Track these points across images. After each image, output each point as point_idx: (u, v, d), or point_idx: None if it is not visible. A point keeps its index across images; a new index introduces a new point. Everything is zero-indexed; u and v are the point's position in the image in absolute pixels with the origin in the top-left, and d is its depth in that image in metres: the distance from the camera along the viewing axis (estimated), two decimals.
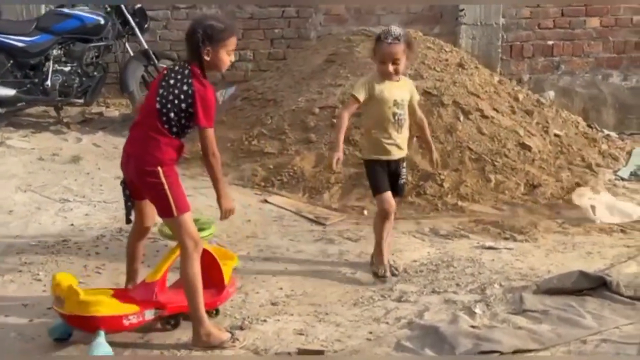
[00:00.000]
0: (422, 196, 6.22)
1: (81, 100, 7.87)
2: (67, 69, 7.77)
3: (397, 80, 4.75)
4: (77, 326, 3.82)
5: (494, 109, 6.92)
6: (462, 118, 6.71)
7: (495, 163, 6.40)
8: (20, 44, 7.59)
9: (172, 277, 4.17)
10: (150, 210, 4.06)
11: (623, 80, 8.79)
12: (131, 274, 4.25)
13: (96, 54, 7.97)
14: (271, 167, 6.54)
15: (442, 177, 6.29)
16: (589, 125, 7.89)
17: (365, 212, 6.07)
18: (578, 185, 6.36)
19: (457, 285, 4.72)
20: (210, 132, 3.86)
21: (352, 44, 7.56)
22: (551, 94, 8.59)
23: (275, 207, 6.08)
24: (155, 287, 3.95)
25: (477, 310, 4.35)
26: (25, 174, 6.51)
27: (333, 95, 6.99)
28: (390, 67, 4.63)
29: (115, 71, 8.50)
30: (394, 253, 5.19)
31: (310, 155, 6.60)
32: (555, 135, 7.05)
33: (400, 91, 4.76)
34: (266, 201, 6.18)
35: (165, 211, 3.86)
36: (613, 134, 8.17)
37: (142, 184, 3.91)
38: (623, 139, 8.11)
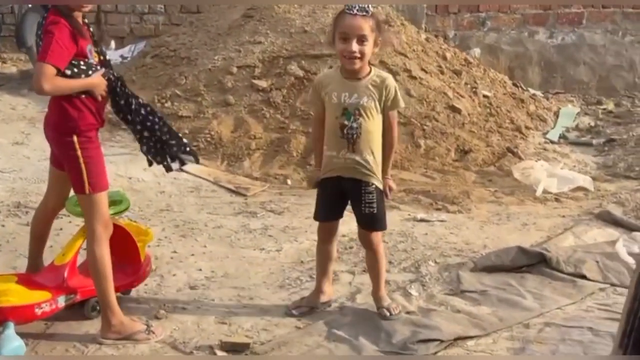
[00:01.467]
0: None
1: None
2: None
3: (360, 78, 3.55)
4: None
5: (422, 70, 6.62)
6: None
7: (425, 127, 6.11)
8: None
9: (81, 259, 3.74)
10: (67, 183, 3.58)
11: (549, 38, 8.63)
12: (35, 257, 3.83)
13: None
14: (186, 131, 6.07)
15: None
16: (514, 84, 7.69)
17: (289, 181, 5.71)
18: (509, 151, 6.12)
19: (390, 263, 4.40)
20: (42, 66, 3.23)
21: None
22: (477, 51, 8.37)
23: (192, 176, 5.63)
24: (65, 271, 3.60)
25: (413, 292, 4.10)
26: None
27: (252, 54, 6.55)
28: (354, 46, 3.45)
29: (11, 23, 7.82)
30: None
31: (229, 118, 6.16)
32: (484, 96, 6.80)
33: (359, 94, 3.54)
34: (181, 170, 5.70)
35: (77, 186, 3.45)
36: (539, 93, 8.02)
37: (59, 154, 3.49)
38: (548, 99, 7.96)
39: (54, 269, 3.64)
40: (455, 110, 6.38)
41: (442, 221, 5.08)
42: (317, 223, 4.93)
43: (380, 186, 3.67)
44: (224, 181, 5.59)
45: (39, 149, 5.50)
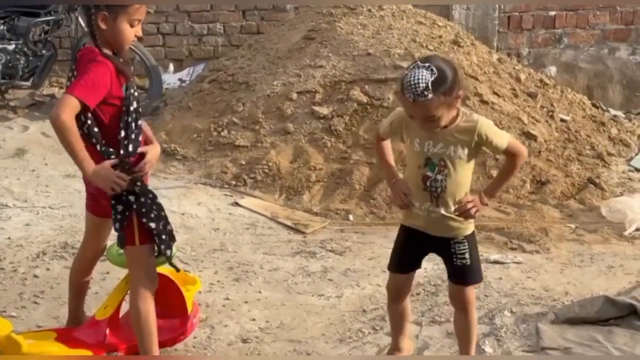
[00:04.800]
0: None
1: (28, 83, 7.06)
2: (10, 47, 6.94)
3: (446, 126, 3.05)
4: None
5: (495, 93, 6.20)
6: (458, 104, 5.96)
7: (497, 156, 5.68)
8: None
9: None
10: (109, 229, 3.32)
11: (631, 55, 8.17)
12: (75, 309, 3.60)
13: (45, 29, 7.13)
14: (243, 162, 5.79)
15: None
16: (594, 105, 7.21)
17: (351, 216, 5.36)
18: (591, 182, 5.66)
19: None
20: (67, 97, 2.92)
21: (334, 18, 6.79)
22: (552, 69, 7.95)
23: (248, 211, 5.33)
24: (106, 327, 3.38)
25: (487, 348, 3.73)
26: None
27: (312, 78, 6.23)
28: (425, 124, 3.03)
29: (68, 47, 7.68)
30: (384, 270, 4.46)
31: (288, 148, 5.85)
32: (562, 120, 6.35)
33: (445, 142, 3.07)
34: (237, 204, 5.42)
35: (125, 237, 3.17)
36: (620, 114, 7.53)
37: (107, 202, 3.16)
38: (631, 120, 7.45)
39: (95, 324, 3.42)
40: (530, 137, 5.94)
41: (518, 263, 4.66)
42: (382, 265, 4.62)
43: (471, 229, 3.28)
44: (281, 217, 5.27)
45: None
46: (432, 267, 4.60)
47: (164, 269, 3.52)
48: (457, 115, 3.08)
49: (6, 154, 6.16)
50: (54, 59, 7.21)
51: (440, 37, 6.58)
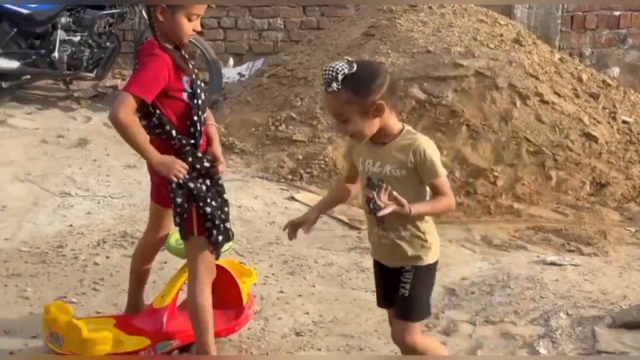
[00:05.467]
0: (472, 196, 5.50)
1: (92, 74, 7.18)
2: (76, 39, 7.05)
3: (385, 142, 2.85)
4: None
5: (556, 93, 6.13)
6: (518, 103, 5.94)
7: (557, 157, 5.64)
8: (24, 10, 6.88)
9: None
10: (171, 219, 3.34)
11: None
12: (135, 296, 3.66)
13: (109, 22, 7.25)
14: (300, 157, 5.82)
15: (496, 173, 5.52)
16: None
17: None
18: None
19: (516, 313, 3.98)
20: (124, 95, 2.98)
21: (394, 15, 6.77)
22: (616, 70, 7.79)
23: (304, 205, 5.35)
24: (164, 315, 3.42)
25: (541, 350, 3.69)
26: (25, 159, 5.87)
27: None
28: (340, 127, 2.86)
29: (131, 39, 7.80)
30: (439, 268, 4.45)
31: (344, 144, 5.83)
32: (624, 122, 6.24)
33: (382, 161, 2.85)
34: (293, 198, 5.45)
35: (185, 228, 3.22)
36: None
37: (167, 192, 3.21)
38: None
39: (153, 312, 3.46)
40: (591, 138, 5.87)
41: (575, 265, 4.59)
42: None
43: (426, 262, 2.94)
44: (337, 212, 5.27)
45: None
46: (487, 266, 4.58)
47: (221, 261, 3.57)
48: (400, 132, 2.84)
49: (69, 143, 6.28)
50: (117, 51, 7.32)
51: (502, 35, 6.52)
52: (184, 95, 3.14)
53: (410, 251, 2.91)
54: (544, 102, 5.99)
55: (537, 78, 6.15)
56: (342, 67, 2.69)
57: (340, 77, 2.68)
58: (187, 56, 3.19)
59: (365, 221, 3.06)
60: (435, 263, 3.01)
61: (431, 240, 2.96)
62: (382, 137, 2.83)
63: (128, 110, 2.96)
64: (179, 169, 3.08)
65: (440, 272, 4.38)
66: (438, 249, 3.02)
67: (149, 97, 3.00)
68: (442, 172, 2.85)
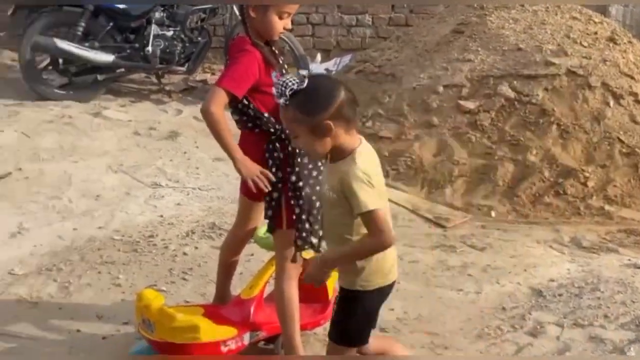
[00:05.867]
0: (562, 196, 5.36)
1: (183, 68, 7.32)
2: (169, 33, 7.21)
3: (334, 160, 2.68)
4: (167, 353, 3.30)
5: None
6: (612, 103, 5.76)
7: None
8: (120, 5, 7.06)
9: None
10: (260, 212, 3.40)
11: None
12: (223, 287, 3.71)
13: (201, 17, 7.38)
14: (386, 154, 5.78)
15: (587, 174, 5.39)
16: None
17: (493, 213, 5.28)
18: None
19: (606, 317, 3.90)
20: (216, 90, 3.01)
21: (484, 12, 6.67)
22: None
23: (390, 202, 5.31)
24: (251, 306, 3.45)
25: (632, 353, 3.59)
26: (119, 150, 6.02)
27: (460, 72, 6.14)
28: (293, 141, 2.78)
29: (222, 35, 7.92)
30: (526, 269, 4.40)
31: (431, 141, 5.81)
32: None
33: (328, 180, 2.74)
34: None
35: (274, 220, 3.26)
36: None
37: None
38: None
39: (240, 303, 3.50)
40: None
41: None
42: (524, 264, 4.55)
43: (354, 288, 2.77)
44: (422, 210, 5.26)
45: None
46: (575, 268, 4.49)
47: (307, 254, 3.60)
48: (350, 152, 2.64)
49: (160, 135, 6.42)
50: (208, 46, 7.44)
51: (596, 33, 6.35)
52: (274, 90, 3.17)
53: (346, 273, 2.80)
54: (638, 102, 5.82)
55: (632, 77, 5.97)
56: (292, 82, 2.56)
57: (288, 92, 2.56)
58: (277, 52, 3.23)
59: None
60: (371, 292, 2.78)
61: (363, 266, 2.74)
62: (335, 156, 2.67)
63: (219, 104, 3.01)
64: (260, 176, 3.09)
65: (527, 273, 4.37)
66: (378, 277, 2.78)
67: (239, 92, 3.04)
68: (369, 205, 2.56)
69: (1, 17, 8.16)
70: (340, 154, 2.65)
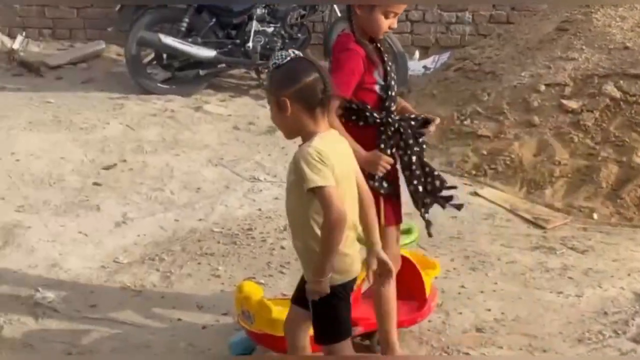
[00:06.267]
0: None
1: None
2: (269, 29, 7.30)
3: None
4: (265, 345, 3.38)
5: None
6: None
7: None
8: (223, 2, 7.19)
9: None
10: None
11: None
12: None
13: (301, 14, 7.44)
14: (484, 152, 5.73)
15: None
16: None
17: (595, 215, 5.16)
18: None
19: None
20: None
21: (590, 9, 6.51)
22: None
23: (487, 201, 5.28)
24: None
25: None
26: (219, 145, 6.14)
27: (563, 71, 6.02)
28: None
29: (321, 31, 7.96)
30: (629, 273, 4.28)
31: (532, 141, 5.71)
32: None
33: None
34: (476, 194, 5.38)
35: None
36: None
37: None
38: None
39: None
40: None
41: None
42: (627, 268, 4.42)
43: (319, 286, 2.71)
44: (521, 210, 5.17)
45: None
46: None
47: (405, 251, 3.59)
48: (314, 135, 2.68)
49: (259, 130, 6.51)
50: (307, 43, 7.49)
51: None
52: (377, 88, 3.18)
53: (303, 261, 2.82)
54: None
55: None
56: (278, 57, 2.67)
57: (272, 65, 2.69)
58: (382, 49, 3.24)
59: None
60: (337, 286, 2.76)
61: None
62: (303, 140, 2.73)
63: (334, 113, 3.01)
64: (384, 164, 3.12)
65: (631, 277, 4.25)
66: (341, 274, 2.76)
67: (347, 92, 3.07)
68: (317, 182, 2.57)
69: (109, 13, 8.46)
70: (304, 138, 2.72)
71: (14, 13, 8.80)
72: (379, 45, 3.22)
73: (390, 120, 3.18)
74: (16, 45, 8.42)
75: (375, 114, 3.16)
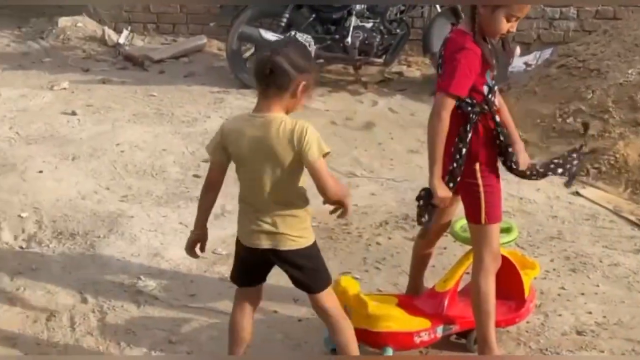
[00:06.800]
0: None
1: (380, 60, 7.37)
2: (368, 25, 7.27)
3: None
4: (361, 340, 3.35)
5: None
6: None
7: None
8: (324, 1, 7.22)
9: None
10: (455, 206, 3.43)
11: None
12: (416, 278, 3.76)
13: (401, 9, 7.39)
14: (588, 151, 5.57)
15: None
16: None
17: None
18: None
19: None
20: (443, 98, 3.05)
21: None
22: None
23: (588, 202, 5.14)
24: (445, 299, 3.48)
25: None
26: None
27: None
28: None
29: (420, 27, 7.90)
30: None
31: (638, 140, 5.53)
32: None
33: None
34: (578, 194, 5.24)
35: (472, 214, 3.26)
36: None
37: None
38: None
39: (434, 296, 3.53)
40: None
41: None
42: None
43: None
44: (625, 211, 5.00)
45: None
46: None
47: (504, 251, 3.54)
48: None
49: (356, 126, 6.51)
50: (406, 38, 7.42)
51: None
52: (484, 89, 3.15)
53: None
54: None
55: None
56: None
57: None
58: (495, 50, 3.18)
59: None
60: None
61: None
62: None
63: (448, 113, 3.05)
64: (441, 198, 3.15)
65: None
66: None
67: (464, 94, 3.07)
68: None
69: (211, 9, 8.62)
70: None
71: (120, 8, 9.06)
72: (500, 42, 3.19)
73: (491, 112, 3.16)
74: (122, 39, 8.68)
75: (477, 110, 3.14)
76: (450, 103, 3.05)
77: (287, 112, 2.94)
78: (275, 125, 2.87)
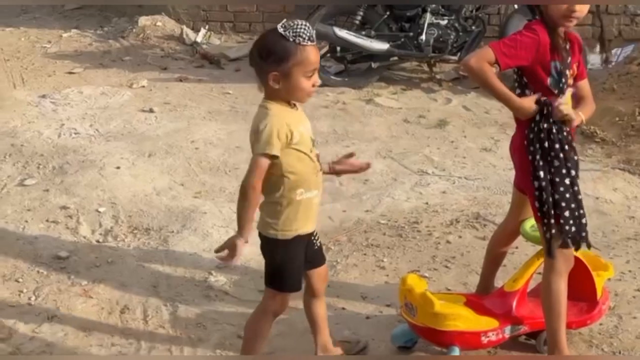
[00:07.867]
0: None
1: (455, 57, 7.30)
2: (443, 22, 7.21)
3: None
4: (427, 338, 3.39)
5: None
6: None
7: None
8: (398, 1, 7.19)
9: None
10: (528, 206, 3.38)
11: None
12: (487, 278, 3.72)
13: (476, 6, 7.31)
14: None
15: None
16: None
17: None
18: None
19: None
20: (484, 49, 3.03)
21: None
22: None
23: None
24: (514, 299, 3.43)
25: None
26: (388, 137, 6.17)
27: None
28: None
29: (497, 24, 7.80)
30: None
31: None
32: None
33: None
34: None
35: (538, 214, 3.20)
36: None
37: (521, 177, 3.30)
38: None
39: (503, 295, 3.48)
40: None
41: None
42: None
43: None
44: None
45: (506, 158, 5.30)
46: None
47: (577, 251, 3.46)
48: None
49: (429, 123, 6.47)
50: (482, 36, 7.33)
51: None
52: (548, 81, 3.10)
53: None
54: None
55: None
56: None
57: None
58: (567, 45, 3.14)
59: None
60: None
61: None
62: None
63: (481, 59, 3.00)
64: (531, 111, 3.09)
65: None
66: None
67: (502, 61, 3.01)
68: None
69: (287, 7, 8.69)
70: None
71: (198, 8, 9.22)
72: (568, 45, 3.14)
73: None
74: (199, 38, 8.82)
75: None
76: (486, 54, 2.99)
77: (286, 102, 2.97)
78: (255, 114, 2.96)
